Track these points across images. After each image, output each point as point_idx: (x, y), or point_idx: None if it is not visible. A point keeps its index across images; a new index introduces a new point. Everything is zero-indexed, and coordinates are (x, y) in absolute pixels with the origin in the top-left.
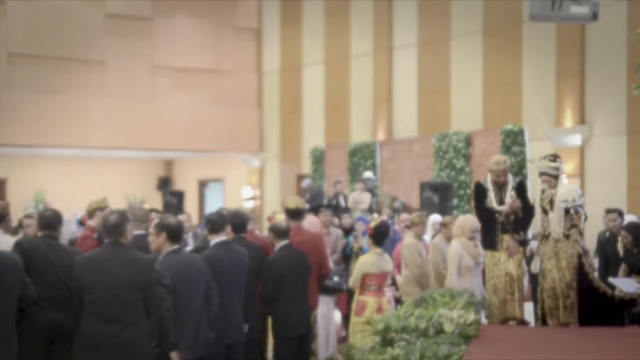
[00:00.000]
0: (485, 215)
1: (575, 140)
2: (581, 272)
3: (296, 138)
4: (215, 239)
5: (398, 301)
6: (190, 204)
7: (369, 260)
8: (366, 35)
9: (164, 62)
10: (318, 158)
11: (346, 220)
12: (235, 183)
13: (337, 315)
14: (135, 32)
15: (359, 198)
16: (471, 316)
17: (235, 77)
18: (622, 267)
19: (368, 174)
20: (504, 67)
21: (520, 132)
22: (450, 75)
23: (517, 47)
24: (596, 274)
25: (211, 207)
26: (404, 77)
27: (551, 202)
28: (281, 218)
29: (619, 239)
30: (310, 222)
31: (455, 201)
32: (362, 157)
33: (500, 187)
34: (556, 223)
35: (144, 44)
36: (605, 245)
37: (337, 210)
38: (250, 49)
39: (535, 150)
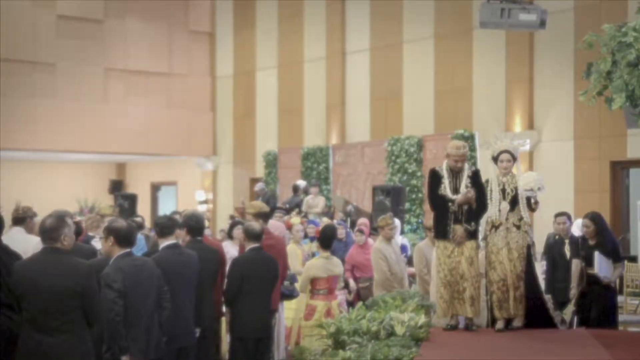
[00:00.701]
0: (438, 203)
1: (524, 145)
2: (528, 262)
3: (249, 142)
4: (164, 243)
5: (351, 304)
6: (143, 208)
7: (317, 265)
8: (319, 40)
9: (116, 65)
10: (271, 162)
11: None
12: (188, 186)
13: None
14: (87, 34)
15: (312, 202)
16: (422, 319)
17: (188, 80)
18: (575, 263)
19: (299, 182)
20: (454, 73)
21: (471, 137)
22: (402, 81)
23: (467, 54)
24: (542, 268)
25: (164, 210)
26: (356, 82)
27: (503, 191)
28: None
29: (566, 242)
30: (273, 226)
31: (407, 205)
32: (315, 161)
33: (455, 174)
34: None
35: (96, 47)
36: (553, 248)
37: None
38: (203, 53)
39: (485, 155)
